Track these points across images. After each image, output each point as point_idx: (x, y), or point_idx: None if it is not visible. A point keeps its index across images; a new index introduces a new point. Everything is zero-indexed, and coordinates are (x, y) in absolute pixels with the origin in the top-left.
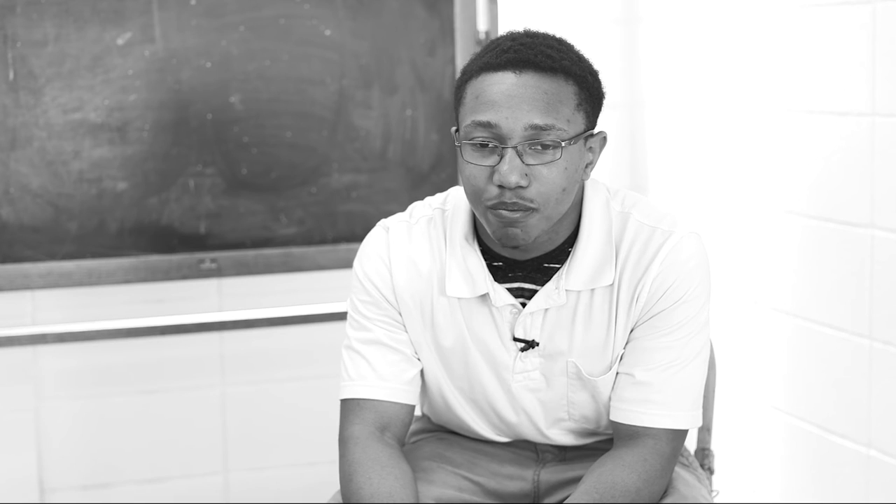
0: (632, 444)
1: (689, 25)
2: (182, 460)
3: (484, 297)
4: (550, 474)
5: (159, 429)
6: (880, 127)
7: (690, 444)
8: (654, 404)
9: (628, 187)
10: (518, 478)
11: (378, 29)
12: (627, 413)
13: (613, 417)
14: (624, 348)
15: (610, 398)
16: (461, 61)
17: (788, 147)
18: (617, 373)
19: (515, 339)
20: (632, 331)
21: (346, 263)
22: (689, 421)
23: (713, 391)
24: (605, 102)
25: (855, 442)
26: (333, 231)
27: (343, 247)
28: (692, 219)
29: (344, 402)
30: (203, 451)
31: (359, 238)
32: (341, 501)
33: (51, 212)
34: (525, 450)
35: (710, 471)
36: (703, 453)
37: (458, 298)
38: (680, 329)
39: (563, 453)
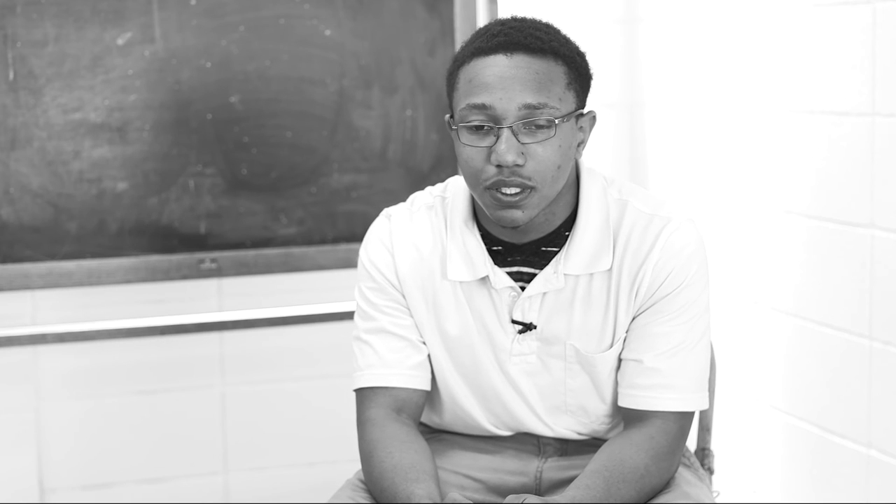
0: (640, 425)
1: (689, 25)
2: (182, 460)
3: (484, 280)
4: (552, 471)
5: (159, 429)
6: (880, 127)
7: (691, 444)
8: (662, 388)
9: None
10: (520, 472)
11: (378, 29)
12: (637, 399)
13: (622, 403)
14: (626, 333)
15: (610, 387)
16: None
17: (789, 147)
18: (623, 359)
19: (514, 322)
20: (635, 318)
21: (346, 263)
22: (695, 402)
23: (713, 391)
24: (605, 102)
25: (854, 442)
26: (333, 231)
27: (343, 247)
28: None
29: (357, 391)
30: (203, 451)
31: (359, 238)
32: (362, 479)
33: (51, 212)
34: (526, 444)
35: (710, 471)
36: (703, 453)
37: (460, 282)
38: (684, 313)
39: (564, 447)
